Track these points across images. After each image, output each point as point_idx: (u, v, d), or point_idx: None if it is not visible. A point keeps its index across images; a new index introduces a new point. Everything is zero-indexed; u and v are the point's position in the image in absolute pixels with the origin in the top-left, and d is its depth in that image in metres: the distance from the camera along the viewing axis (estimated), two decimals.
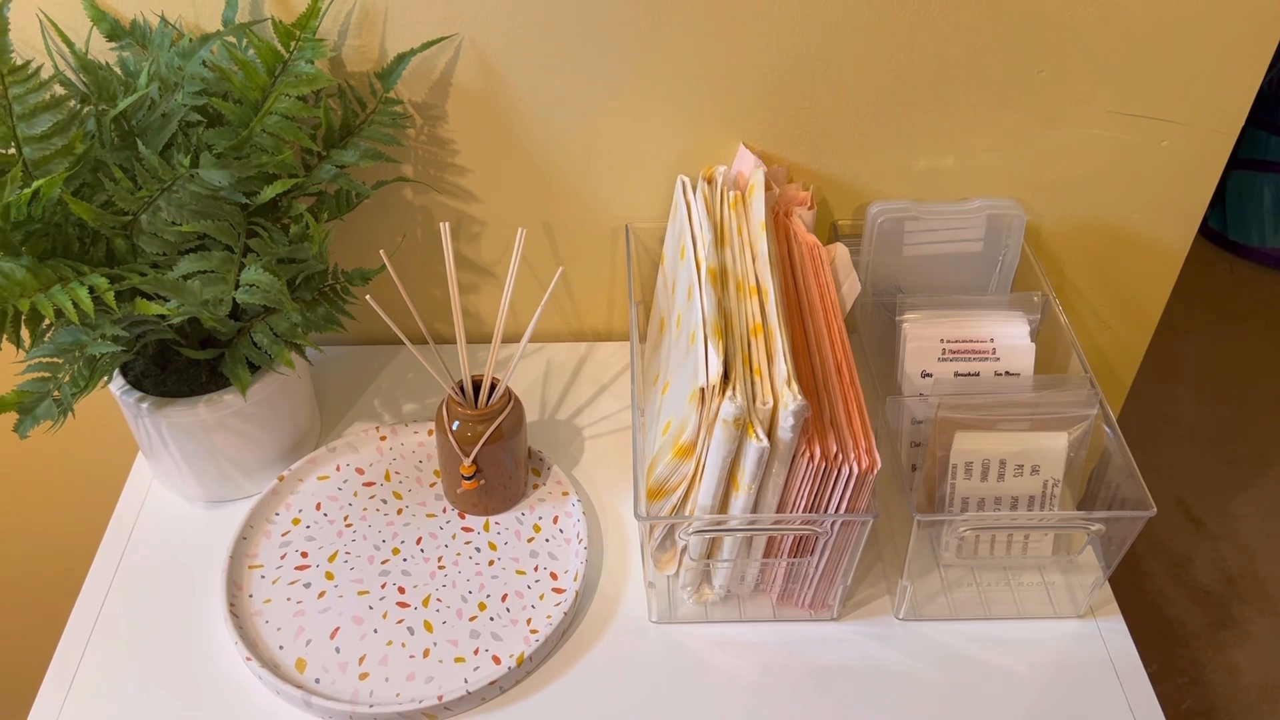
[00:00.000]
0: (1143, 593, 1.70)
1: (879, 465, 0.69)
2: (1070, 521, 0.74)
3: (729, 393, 0.68)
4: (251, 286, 0.71)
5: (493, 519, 0.84)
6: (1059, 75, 0.86)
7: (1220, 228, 2.42)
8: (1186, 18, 0.82)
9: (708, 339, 0.71)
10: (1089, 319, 1.02)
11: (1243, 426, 2.00)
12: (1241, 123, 0.88)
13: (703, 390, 0.69)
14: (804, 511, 0.72)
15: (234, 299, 0.71)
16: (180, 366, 0.82)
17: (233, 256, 0.71)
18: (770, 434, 0.69)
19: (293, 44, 0.76)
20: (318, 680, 0.73)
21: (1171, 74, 0.86)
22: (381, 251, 0.77)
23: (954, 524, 0.75)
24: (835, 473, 0.70)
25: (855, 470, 0.69)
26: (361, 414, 0.94)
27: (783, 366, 0.70)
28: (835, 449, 0.70)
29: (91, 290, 0.66)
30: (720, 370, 0.69)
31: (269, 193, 0.74)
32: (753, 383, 0.70)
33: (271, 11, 0.81)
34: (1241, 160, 2.38)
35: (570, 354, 1.00)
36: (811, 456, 0.70)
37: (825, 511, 0.72)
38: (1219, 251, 2.43)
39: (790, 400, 0.67)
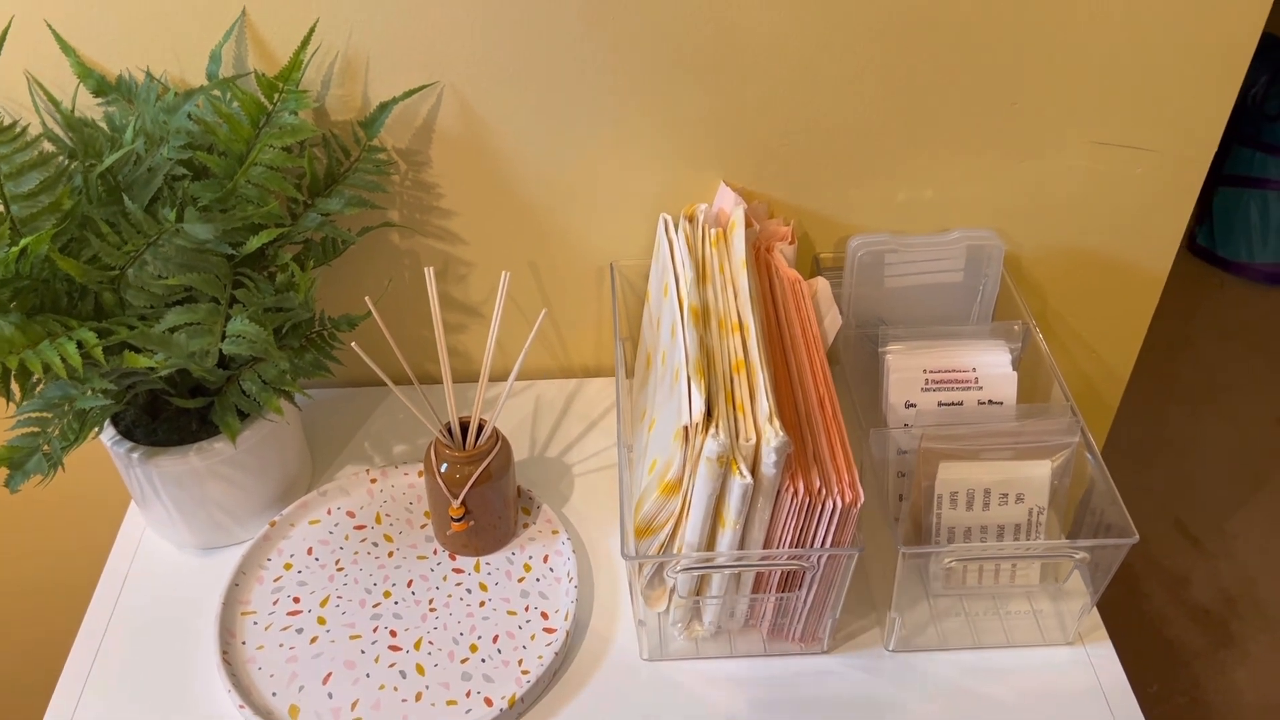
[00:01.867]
0: (1142, 614, 1.70)
1: (862, 499, 0.70)
2: (1055, 550, 0.74)
3: (712, 430, 0.69)
4: (238, 337, 0.72)
5: (483, 559, 0.85)
6: (1033, 107, 0.87)
7: (1209, 244, 2.44)
8: (1156, 48, 0.84)
9: (690, 377, 0.72)
10: (1073, 345, 1.03)
11: (1236, 443, 2.00)
12: (1214, 148, 0.90)
13: (686, 429, 0.69)
14: (790, 547, 0.72)
15: (221, 350, 0.72)
16: (171, 415, 0.83)
17: (219, 308, 0.72)
18: (754, 470, 0.69)
19: (276, 96, 0.78)
20: None
21: (1143, 103, 0.87)
22: (367, 299, 0.78)
23: (940, 555, 0.75)
24: (819, 507, 0.71)
25: (839, 504, 0.70)
26: (353, 456, 0.95)
27: (764, 403, 0.70)
28: (819, 484, 0.71)
29: (80, 345, 0.67)
30: (703, 408, 0.70)
31: (255, 243, 0.75)
32: (736, 420, 0.71)
33: (255, 64, 0.82)
34: (1228, 177, 2.40)
35: (559, 390, 1.01)
36: (795, 492, 0.70)
37: (811, 546, 0.72)
38: (1208, 268, 2.44)
39: (772, 437, 0.68)
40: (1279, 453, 1.99)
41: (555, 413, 0.99)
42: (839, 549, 0.72)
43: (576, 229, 0.94)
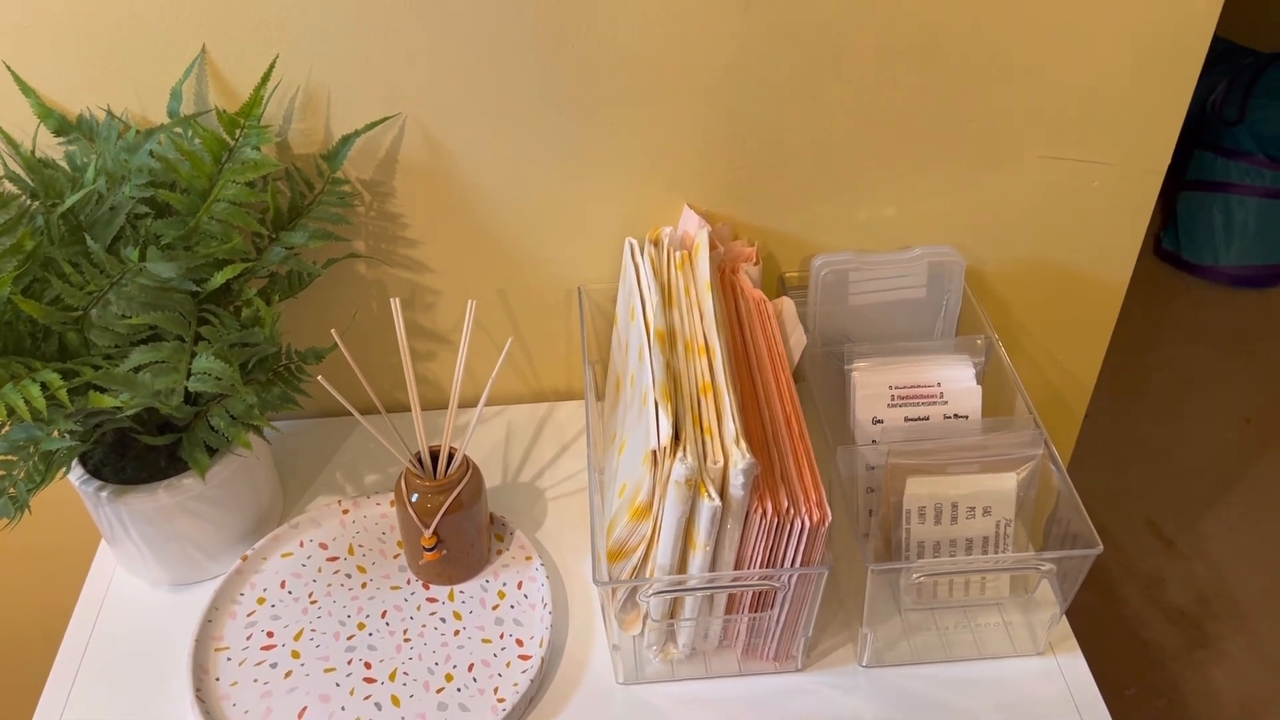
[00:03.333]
0: (1118, 616, 1.71)
1: (830, 518, 0.71)
2: (1022, 563, 0.75)
3: (680, 454, 0.69)
4: (204, 374, 0.72)
5: (457, 588, 0.85)
6: (990, 124, 0.89)
7: (1174, 248, 2.47)
8: (1107, 63, 0.85)
9: (657, 401, 0.72)
10: (1038, 355, 1.04)
11: (1206, 444, 2.03)
12: (1167, 160, 0.91)
13: (654, 452, 0.70)
14: (760, 567, 0.73)
15: (187, 387, 0.72)
16: (139, 453, 0.82)
17: (184, 346, 0.72)
18: (722, 493, 0.70)
19: (238, 132, 0.78)
20: None
21: (1097, 118, 0.88)
22: (333, 331, 0.78)
23: (908, 571, 0.76)
24: (788, 527, 0.71)
25: (808, 524, 0.71)
26: (324, 488, 0.95)
27: (731, 425, 0.71)
28: (786, 504, 0.71)
29: (44, 386, 0.66)
30: (670, 432, 0.70)
31: (219, 279, 0.75)
32: (703, 442, 0.71)
33: (216, 101, 0.82)
34: (1190, 182, 2.44)
35: (530, 415, 1.02)
36: (764, 513, 0.71)
37: (781, 566, 0.73)
38: (1174, 272, 2.47)
39: (739, 459, 0.69)
40: (1248, 452, 2.01)
41: (527, 438, 0.99)
42: (809, 568, 0.72)
43: (543, 254, 0.94)
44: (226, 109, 0.79)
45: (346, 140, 0.83)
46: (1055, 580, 0.79)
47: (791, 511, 0.71)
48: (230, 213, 0.76)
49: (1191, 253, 2.44)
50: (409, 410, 0.80)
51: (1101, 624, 1.69)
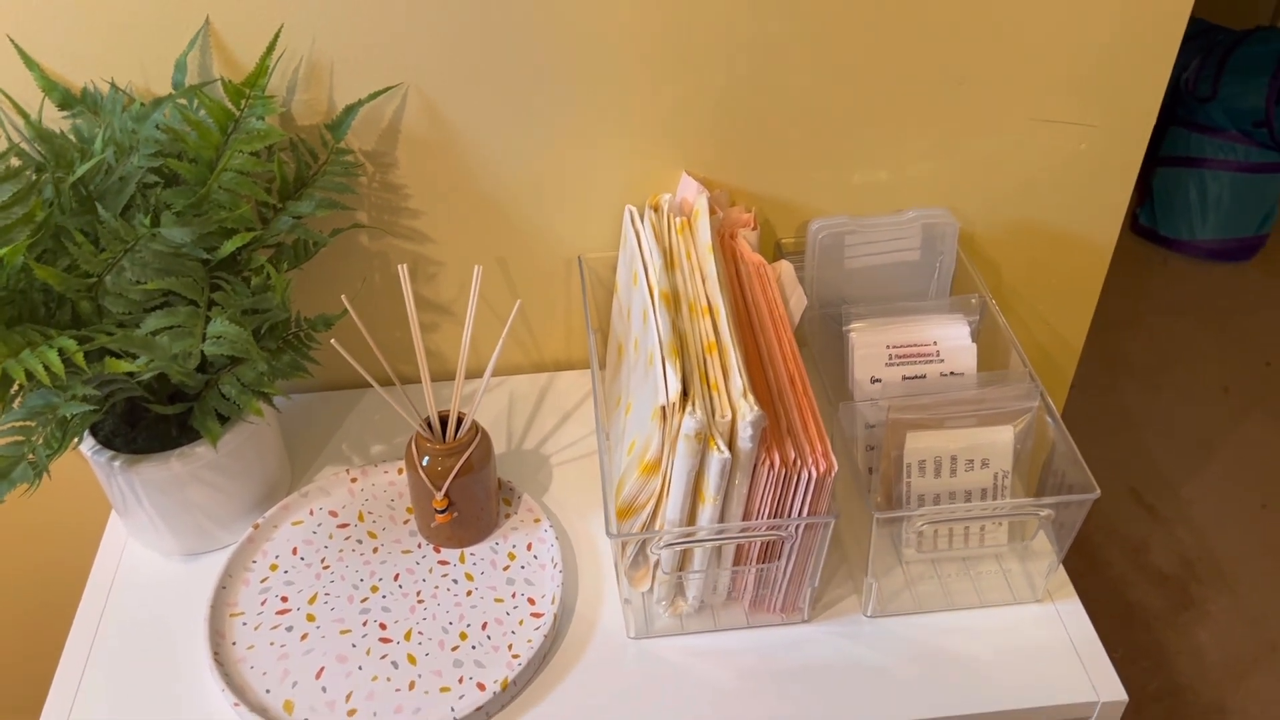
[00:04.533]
0: (1105, 580, 1.75)
1: (836, 468, 0.72)
2: (1021, 509, 0.77)
3: (689, 409, 0.71)
4: (219, 338, 0.73)
5: (468, 550, 0.86)
6: (979, 88, 0.90)
7: (1151, 224, 2.51)
8: (1093, 25, 0.87)
9: (665, 359, 0.74)
10: (1028, 316, 1.06)
11: (1187, 413, 2.07)
12: (1152, 122, 0.94)
13: (664, 408, 0.72)
14: (768, 518, 0.75)
15: (202, 352, 0.73)
16: (150, 423, 0.83)
17: (198, 311, 0.73)
18: (731, 445, 0.71)
19: (243, 102, 0.79)
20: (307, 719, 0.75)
21: (1084, 81, 0.91)
22: (343, 296, 0.79)
23: (912, 520, 0.78)
24: (795, 478, 0.73)
25: (814, 474, 0.73)
26: (331, 458, 0.96)
27: (738, 380, 0.73)
28: (794, 455, 0.73)
29: (61, 352, 0.67)
30: (679, 388, 0.72)
31: (229, 247, 0.76)
32: (711, 398, 0.73)
33: (220, 72, 0.83)
34: (1166, 158, 2.47)
35: (532, 385, 1.03)
36: (771, 464, 0.72)
37: (788, 516, 0.74)
38: (1152, 247, 2.51)
39: (748, 411, 0.70)
40: (1227, 420, 2.05)
41: (530, 406, 1.01)
42: (816, 517, 0.74)
43: (543, 224, 0.96)
44: (231, 80, 0.80)
45: (350, 110, 0.84)
46: (1051, 528, 0.82)
47: (799, 462, 0.73)
48: (238, 182, 0.77)
49: (1168, 228, 2.48)
50: (414, 383, 0.81)
51: (1088, 589, 1.71)
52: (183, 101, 0.80)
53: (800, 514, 0.74)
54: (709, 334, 0.78)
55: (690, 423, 0.70)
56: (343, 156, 0.85)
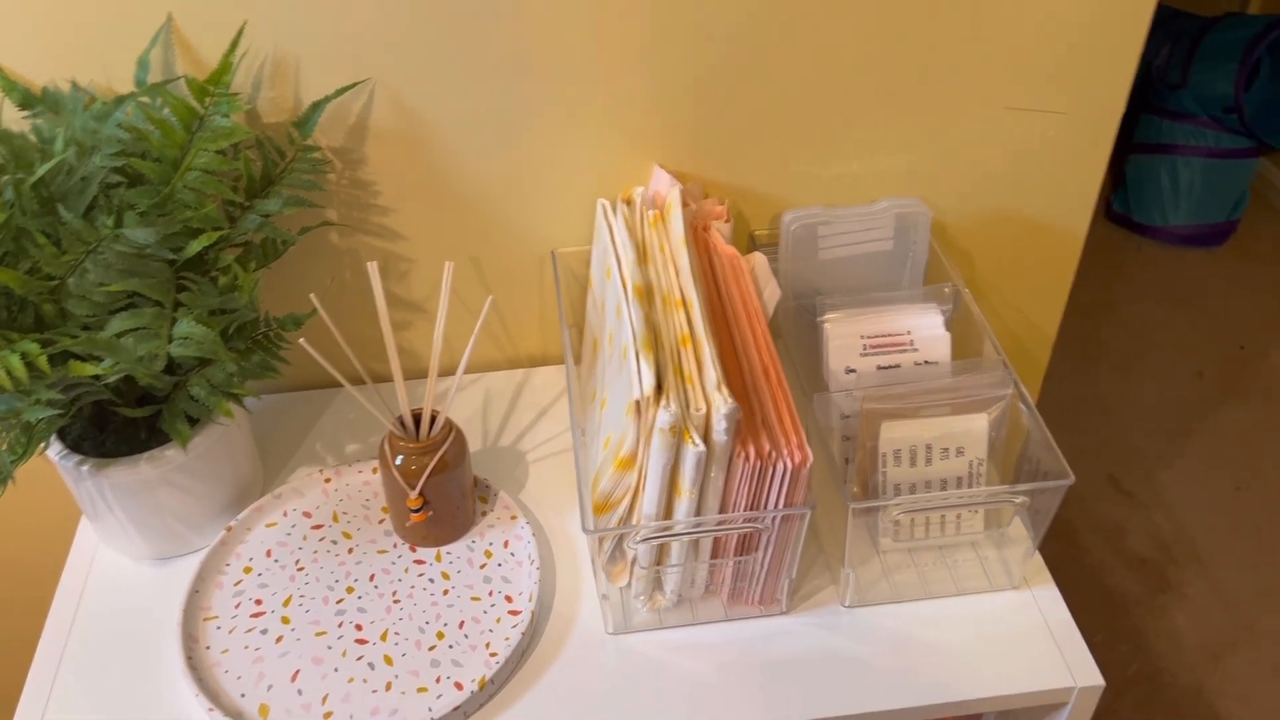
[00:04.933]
0: (1083, 566, 1.76)
1: (811, 459, 0.72)
2: (996, 496, 0.78)
3: (663, 402, 0.70)
4: (185, 339, 0.72)
5: (444, 549, 0.85)
6: (950, 77, 0.90)
7: (1125, 210, 2.53)
8: (1061, 14, 0.87)
9: (639, 353, 0.73)
10: (1001, 306, 1.07)
11: (1161, 398, 2.08)
12: (1122, 109, 0.94)
13: (638, 403, 0.71)
14: (745, 510, 0.74)
15: (168, 353, 0.72)
16: (118, 426, 0.82)
17: (164, 312, 0.72)
18: (706, 438, 0.71)
19: (207, 100, 0.78)
20: None
21: (1053, 69, 0.91)
22: (312, 295, 0.78)
23: (888, 509, 0.78)
24: (771, 470, 0.73)
25: (789, 465, 0.72)
26: (305, 459, 0.95)
27: (712, 373, 0.73)
28: (769, 447, 0.73)
29: (23, 356, 0.66)
30: (653, 382, 0.72)
31: (195, 246, 0.75)
32: (685, 391, 0.73)
33: (184, 70, 0.82)
34: (1138, 145, 2.49)
35: (507, 382, 1.02)
36: (747, 457, 0.72)
37: (765, 508, 0.74)
38: (1125, 233, 2.53)
39: (722, 404, 0.70)
40: (1202, 404, 2.07)
41: (505, 403, 1.00)
42: (792, 508, 0.74)
43: (515, 219, 0.95)
44: (195, 77, 0.79)
45: (316, 107, 0.83)
46: (1026, 515, 0.82)
47: (774, 454, 0.73)
48: (203, 181, 0.76)
49: (1141, 214, 2.50)
50: (387, 381, 0.80)
51: (1066, 575, 1.73)
52: (146, 100, 0.79)
53: (777, 506, 0.74)
54: (683, 327, 0.78)
55: (665, 416, 0.70)
56: (310, 154, 0.85)
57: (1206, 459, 1.95)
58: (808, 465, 0.72)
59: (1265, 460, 1.94)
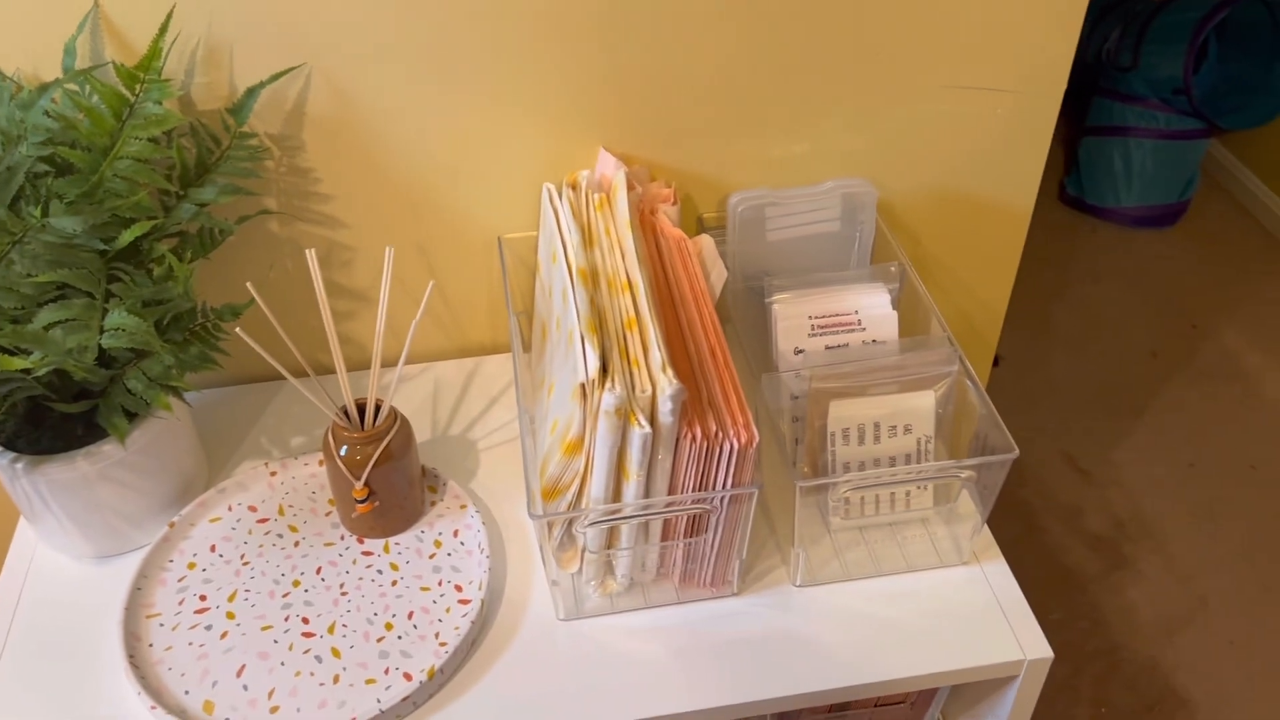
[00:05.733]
0: (1041, 545, 1.78)
1: (757, 439, 0.72)
2: (942, 471, 0.78)
3: (608, 385, 0.70)
4: (117, 330, 0.70)
5: (392, 540, 0.84)
6: (894, 56, 0.90)
7: (1078, 193, 2.55)
8: None
9: (584, 336, 0.73)
10: (950, 284, 1.07)
11: (1115, 378, 2.11)
12: (1063, 87, 0.94)
13: (583, 385, 0.71)
14: (693, 491, 0.74)
15: (100, 345, 0.70)
16: (54, 423, 0.80)
17: (94, 303, 0.71)
18: (652, 420, 0.71)
19: (138, 86, 0.76)
20: (228, 719, 0.73)
21: (996, 47, 0.91)
22: (249, 284, 0.77)
23: (835, 487, 0.78)
24: (718, 450, 0.73)
25: (736, 445, 0.72)
26: (250, 452, 0.94)
27: (657, 354, 0.72)
28: (715, 428, 0.72)
29: None
30: (598, 364, 0.71)
31: (127, 236, 0.73)
32: (631, 373, 0.72)
33: (113, 56, 0.80)
34: (1091, 128, 2.51)
35: (457, 370, 1.01)
36: (694, 438, 0.72)
37: (713, 489, 0.74)
38: (1079, 215, 2.56)
39: (667, 385, 0.70)
40: (1156, 383, 2.09)
41: (455, 392, 0.99)
42: (740, 488, 0.74)
43: (460, 205, 0.94)
44: (124, 63, 0.77)
45: (251, 93, 0.82)
46: (975, 490, 0.82)
47: (720, 435, 0.72)
48: (134, 169, 0.75)
49: (1094, 196, 2.52)
50: (332, 372, 0.79)
51: (1024, 554, 1.75)
52: (74, 88, 0.77)
53: (724, 486, 0.74)
54: (629, 310, 0.77)
55: (610, 399, 0.69)
56: (246, 141, 0.83)
57: (1160, 437, 1.98)
58: (754, 445, 0.72)
59: (1217, 437, 1.97)
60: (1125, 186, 2.47)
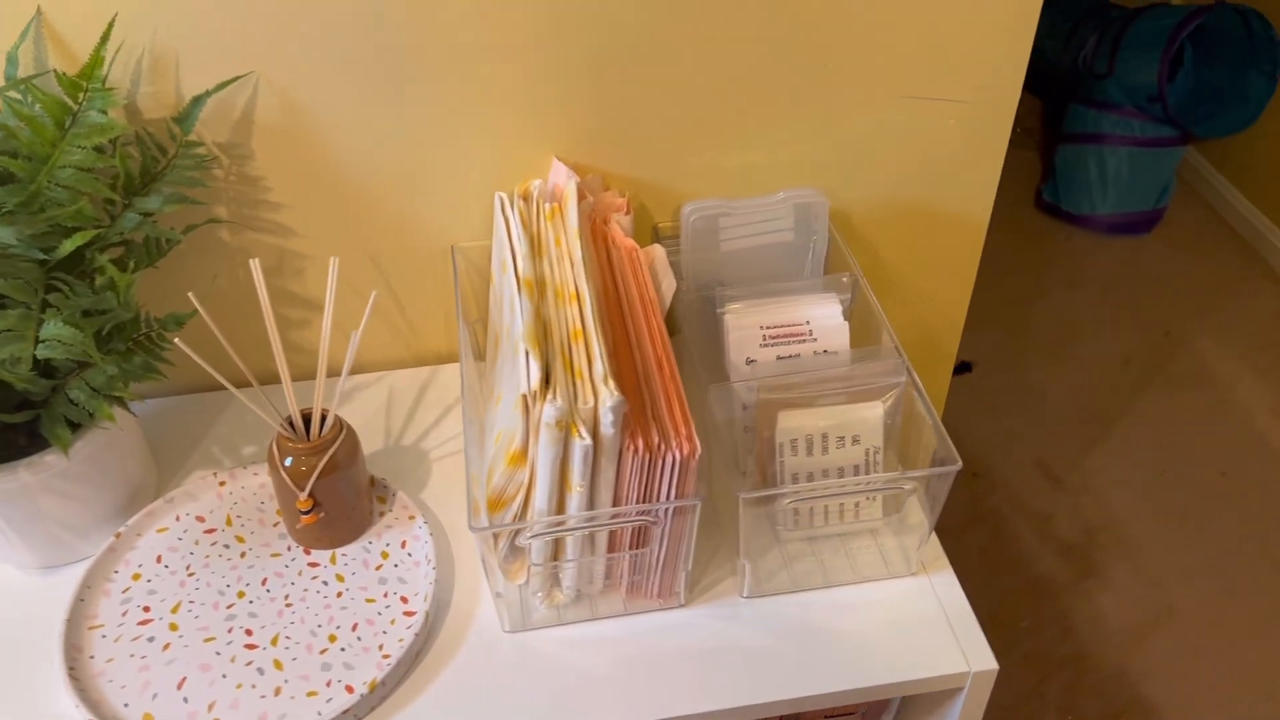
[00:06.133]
0: (1011, 553, 1.78)
1: (699, 451, 0.72)
2: (887, 483, 0.78)
3: (550, 396, 0.70)
4: (53, 341, 0.70)
5: (339, 551, 0.84)
6: (846, 67, 0.90)
7: (1054, 200, 2.56)
8: (951, 4, 0.88)
9: (527, 349, 0.72)
10: (908, 294, 1.07)
11: (1089, 385, 2.11)
12: (1017, 95, 0.94)
13: (525, 397, 0.70)
14: (637, 503, 0.74)
15: (35, 356, 0.70)
16: None
17: (30, 313, 0.70)
18: (594, 432, 0.71)
19: (81, 95, 0.76)
20: None
21: (947, 57, 0.91)
22: (190, 294, 0.76)
23: (779, 498, 0.78)
24: (660, 462, 0.72)
25: (678, 457, 0.72)
26: (202, 461, 0.93)
27: (600, 366, 0.72)
28: (658, 439, 0.72)
29: None
30: (540, 376, 0.71)
31: (68, 246, 0.73)
32: (575, 385, 0.72)
33: (57, 66, 0.80)
34: (1067, 135, 2.52)
35: (412, 380, 1.01)
36: (636, 450, 0.72)
37: (657, 501, 0.74)
38: (1055, 223, 2.56)
39: (608, 397, 0.70)
40: (1129, 391, 2.10)
41: (409, 401, 0.99)
42: (682, 500, 0.73)
43: (415, 214, 0.94)
44: (66, 72, 0.77)
45: (197, 101, 0.81)
46: (925, 501, 0.82)
47: (663, 447, 0.72)
48: (77, 178, 0.74)
49: (1070, 203, 2.53)
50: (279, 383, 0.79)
51: (995, 562, 1.75)
52: (16, 96, 0.76)
53: (668, 498, 0.74)
54: (575, 320, 0.77)
55: (550, 411, 0.69)
56: (193, 149, 0.83)
57: (1133, 445, 1.98)
58: (695, 457, 0.72)
59: (1190, 445, 1.98)
60: (1101, 194, 2.48)
